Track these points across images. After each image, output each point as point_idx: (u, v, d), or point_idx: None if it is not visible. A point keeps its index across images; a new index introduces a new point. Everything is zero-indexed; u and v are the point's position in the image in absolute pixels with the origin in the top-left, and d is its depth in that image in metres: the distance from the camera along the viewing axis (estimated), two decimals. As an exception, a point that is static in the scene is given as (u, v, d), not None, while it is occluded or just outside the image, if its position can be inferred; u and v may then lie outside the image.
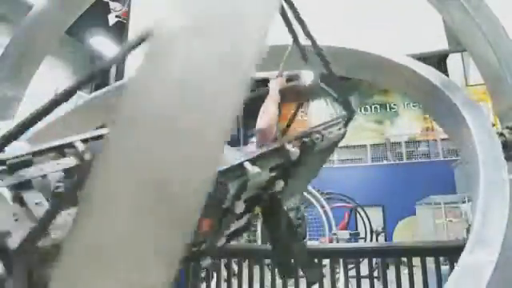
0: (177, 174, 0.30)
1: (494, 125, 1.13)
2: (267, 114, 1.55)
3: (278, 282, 2.89)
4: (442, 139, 9.60)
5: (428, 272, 2.31)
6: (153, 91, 0.30)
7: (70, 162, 0.77)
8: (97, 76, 0.59)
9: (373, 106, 11.96)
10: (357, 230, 8.04)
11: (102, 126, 2.13)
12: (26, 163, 0.72)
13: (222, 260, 2.82)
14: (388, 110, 11.87)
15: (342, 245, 4.29)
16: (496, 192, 0.91)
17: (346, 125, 1.35)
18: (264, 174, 0.98)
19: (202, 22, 0.32)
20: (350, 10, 4.60)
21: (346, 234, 6.17)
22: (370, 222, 8.15)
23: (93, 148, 0.92)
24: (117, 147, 0.30)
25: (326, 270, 2.74)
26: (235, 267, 2.97)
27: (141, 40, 0.51)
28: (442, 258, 2.31)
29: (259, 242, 5.73)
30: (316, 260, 2.74)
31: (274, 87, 1.72)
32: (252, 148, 1.49)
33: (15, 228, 0.62)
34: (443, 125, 1.36)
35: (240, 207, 0.98)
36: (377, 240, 8.38)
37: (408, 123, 11.24)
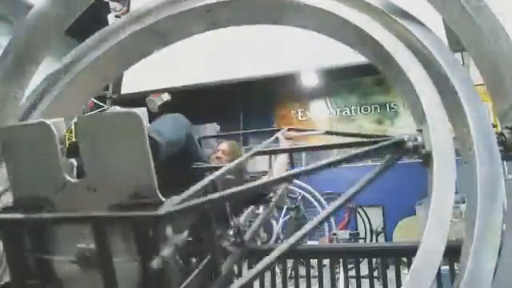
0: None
1: (495, 126, 1.12)
2: (282, 165, 2.07)
3: (278, 281, 2.89)
4: (442, 139, 9.57)
5: (428, 272, 2.30)
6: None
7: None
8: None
9: (373, 106, 11.96)
10: (357, 230, 8.05)
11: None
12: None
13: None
14: (388, 110, 11.87)
15: (342, 245, 4.29)
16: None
17: None
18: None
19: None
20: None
21: (345, 234, 6.18)
22: (370, 222, 8.16)
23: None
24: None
25: (326, 270, 2.74)
26: (235, 267, 2.97)
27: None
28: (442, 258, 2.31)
29: (259, 242, 5.73)
30: (316, 260, 2.74)
31: (283, 142, 2.07)
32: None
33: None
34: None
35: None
36: (377, 240, 8.38)
37: (408, 123, 11.25)
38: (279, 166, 2.09)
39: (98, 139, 0.83)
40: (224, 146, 2.41)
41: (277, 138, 2.03)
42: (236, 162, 1.19)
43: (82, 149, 0.85)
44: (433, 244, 0.90)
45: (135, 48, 1.77)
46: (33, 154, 0.89)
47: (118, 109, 1.12)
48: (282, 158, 2.16)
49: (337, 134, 2.15)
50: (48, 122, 0.86)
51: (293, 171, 1.16)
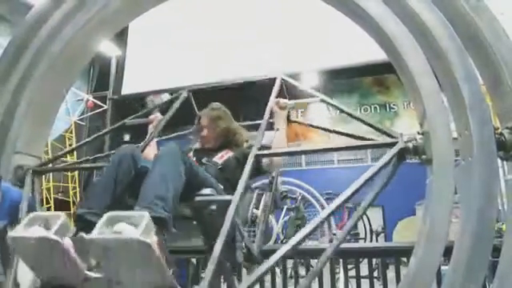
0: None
1: (496, 129, 1.12)
2: (281, 141, 2.01)
3: (278, 281, 2.89)
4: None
5: (428, 272, 2.30)
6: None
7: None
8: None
9: (373, 106, 11.96)
10: (357, 230, 8.04)
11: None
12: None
13: (222, 260, 2.82)
14: (388, 110, 11.87)
15: (342, 245, 4.28)
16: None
17: None
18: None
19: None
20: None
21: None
22: (369, 222, 8.16)
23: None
24: None
25: (326, 270, 2.74)
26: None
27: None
28: (441, 258, 2.31)
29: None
30: (316, 260, 2.74)
31: (280, 121, 2.11)
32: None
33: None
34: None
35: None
36: (377, 240, 8.38)
37: (408, 123, 11.26)
38: (279, 143, 2.02)
39: (112, 257, 0.87)
40: (204, 120, 2.16)
41: (271, 114, 1.98)
42: (240, 188, 1.21)
43: (98, 260, 0.91)
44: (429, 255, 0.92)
45: (115, 19, 1.73)
46: (49, 260, 0.94)
47: (125, 230, 1.08)
48: (281, 134, 2.05)
49: (333, 105, 2.07)
50: (56, 236, 0.92)
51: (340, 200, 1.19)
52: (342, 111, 1.90)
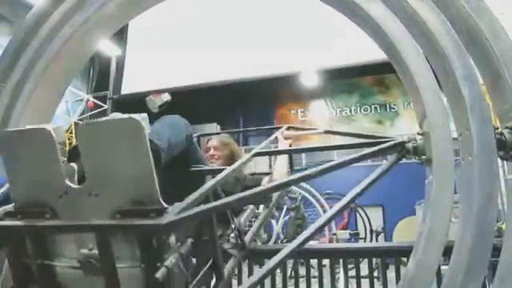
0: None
1: (496, 129, 1.12)
2: (282, 166, 2.07)
3: (278, 281, 2.89)
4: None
5: (428, 272, 2.30)
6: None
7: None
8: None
9: (373, 106, 11.97)
10: (357, 230, 8.05)
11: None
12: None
13: (222, 260, 2.81)
14: (388, 110, 11.89)
15: (342, 245, 4.28)
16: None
17: None
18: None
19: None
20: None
21: (345, 234, 6.17)
22: (369, 222, 8.17)
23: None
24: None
25: (326, 270, 2.74)
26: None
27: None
28: (441, 258, 2.31)
29: (259, 242, 5.73)
30: (316, 260, 2.74)
31: (282, 142, 2.11)
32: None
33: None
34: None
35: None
36: (377, 240, 8.39)
37: (408, 123, 11.27)
38: (280, 167, 2.08)
39: (98, 146, 0.82)
40: (214, 141, 2.30)
41: (276, 138, 2.04)
42: (236, 165, 1.19)
43: (83, 155, 0.83)
44: (429, 256, 0.92)
45: (114, 18, 1.72)
46: (33, 159, 0.87)
47: (118, 115, 1.06)
48: (283, 159, 2.13)
49: (336, 133, 2.16)
50: (48, 127, 0.86)
51: (296, 176, 1.15)
52: (345, 134, 1.96)
